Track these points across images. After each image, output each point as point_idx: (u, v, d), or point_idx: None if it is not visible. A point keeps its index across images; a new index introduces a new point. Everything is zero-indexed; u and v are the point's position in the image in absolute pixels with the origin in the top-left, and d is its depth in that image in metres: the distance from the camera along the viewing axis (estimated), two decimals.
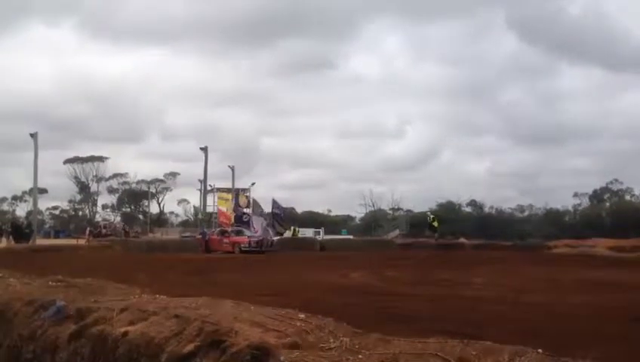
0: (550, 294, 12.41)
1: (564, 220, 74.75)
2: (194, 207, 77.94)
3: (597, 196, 79.33)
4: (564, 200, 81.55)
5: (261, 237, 34.36)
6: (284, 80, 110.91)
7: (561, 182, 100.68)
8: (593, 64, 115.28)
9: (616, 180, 78.27)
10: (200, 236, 36.34)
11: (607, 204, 78.03)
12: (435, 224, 42.96)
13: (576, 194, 78.92)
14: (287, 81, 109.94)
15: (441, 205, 73.51)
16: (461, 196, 76.17)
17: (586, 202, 79.37)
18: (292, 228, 42.74)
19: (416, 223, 67.34)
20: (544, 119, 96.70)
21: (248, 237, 33.98)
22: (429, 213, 48.80)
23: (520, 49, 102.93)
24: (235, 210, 39.57)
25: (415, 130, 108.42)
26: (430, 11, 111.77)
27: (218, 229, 37.48)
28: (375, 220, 72.70)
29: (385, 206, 79.89)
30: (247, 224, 37.18)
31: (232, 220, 38.76)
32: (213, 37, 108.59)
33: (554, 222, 71.01)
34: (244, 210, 39.71)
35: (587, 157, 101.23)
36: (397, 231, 57.14)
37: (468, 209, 76.55)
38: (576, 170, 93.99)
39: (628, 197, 78.12)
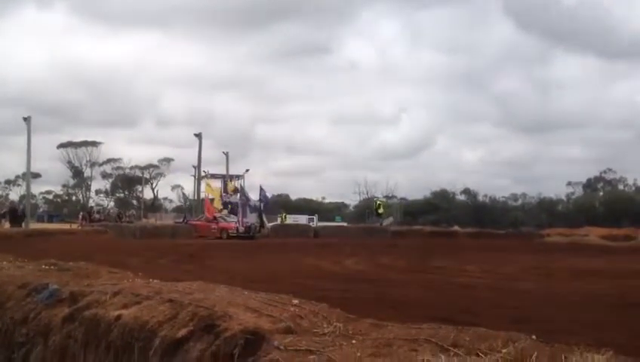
0: (543, 281, 12.49)
1: (558, 209, 75.12)
2: (183, 193, 77.98)
3: (590, 185, 79.71)
4: (557, 189, 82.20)
5: (249, 223, 34.53)
6: (280, 65, 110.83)
7: (555, 171, 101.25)
8: (588, 52, 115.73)
9: (609, 169, 78.76)
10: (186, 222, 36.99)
11: (601, 193, 78.41)
12: (381, 210, 43.58)
13: (569, 183, 79.39)
14: (283, 66, 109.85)
15: (435, 193, 73.75)
16: (455, 184, 76.48)
17: (579, 191, 79.83)
18: (281, 214, 42.73)
19: (410, 211, 67.62)
20: (539, 107, 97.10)
21: (235, 223, 34.22)
22: (376, 198, 49.19)
23: (516, 37, 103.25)
24: (221, 197, 39.56)
25: (410, 118, 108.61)
26: None
27: (204, 216, 37.54)
28: (369, 208, 72.85)
29: (379, 193, 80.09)
30: (234, 211, 37.19)
31: (221, 206, 38.73)
32: (208, 22, 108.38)
33: (547, 211, 71.35)
34: (230, 198, 39.69)
35: (581, 146, 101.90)
36: (391, 219, 57.27)
37: (462, 197, 76.84)
38: (570, 159, 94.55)
39: (621, 187, 78.64)
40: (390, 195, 78.95)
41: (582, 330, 5.85)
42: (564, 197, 78.44)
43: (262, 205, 38.79)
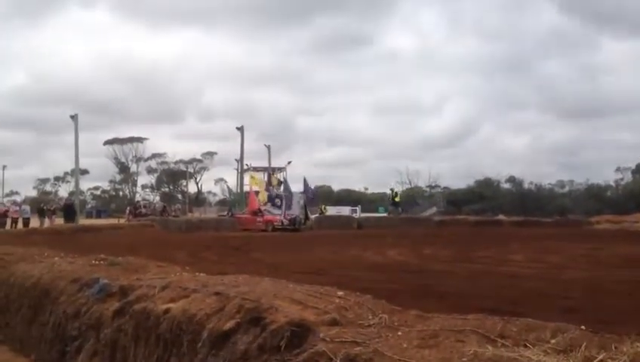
0: (591, 270, 12.24)
1: (606, 195, 73.39)
2: (227, 186, 78.63)
3: None
4: (606, 175, 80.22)
5: (294, 215, 34.69)
6: (320, 57, 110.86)
7: (603, 157, 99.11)
8: (635, 35, 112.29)
9: None
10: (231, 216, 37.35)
11: None
12: (397, 199, 43.43)
13: (618, 169, 77.45)
14: (324, 58, 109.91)
15: (479, 182, 72.87)
16: (500, 172, 75.43)
17: (628, 177, 77.79)
18: (321, 206, 42.82)
19: (454, 200, 66.99)
20: (585, 92, 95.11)
21: (280, 215, 34.43)
22: (391, 188, 48.90)
23: (560, 21, 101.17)
24: (267, 190, 39.68)
25: (452, 106, 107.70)
26: None
27: (250, 210, 37.83)
28: (412, 197, 72.42)
29: (422, 183, 79.59)
30: (279, 203, 37.29)
31: (266, 199, 38.86)
32: (248, 15, 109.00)
33: (595, 198, 69.77)
34: (276, 191, 39.76)
35: (629, 130, 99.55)
36: (434, 209, 56.90)
37: (507, 185, 75.67)
38: (619, 144, 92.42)
39: None
40: (433, 184, 78.49)
41: (632, 320, 5.73)
42: (612, 184, 76.71)
43: (305, 197, 38.91)
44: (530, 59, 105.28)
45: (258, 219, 34.54)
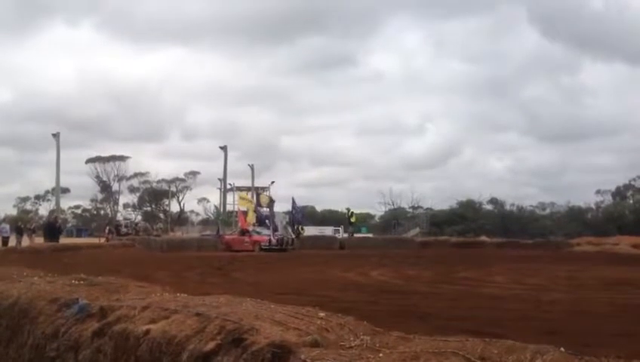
0: (572, 292, 12.32)
1: (587, 217, 73.97)
2: (214, 206, 78.26)
3: (620, 193, 78.39)
4: (586, 198, 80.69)
5: (281, 236, 34.50)
6: (304, 78, 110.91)
7: (584, 180, 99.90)
8: (616, 59, 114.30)
9: (639, 177, 77.40)
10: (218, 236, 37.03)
11: (631, 201, 77.10)
12: (353, 219, 43.65)
13: (598, 191, 78.10)
14: (307, 78, 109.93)
15: (461, 203, 73.16)
16: (482, 194, 75.78)
17: (608, 199, 78.46)
18: (297, 226, 42.36)
19: (436, 221, 67.14)
20: (567, 115, 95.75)
21: (268, 235, 34.19)
22: (348, 208, 49.14)
23: (542, 45, 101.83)
24: (255, 211, 39.39)
25: (436, 128, 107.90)
26: (451, 7, 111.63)
27: (239, 230, 37.57)
28: (395, 218, 72.50)
29: (405, 204, 79.71)
30: (267, 223, 37.07)
31: (254, 219, 38.52)
32: (233, 35, 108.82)
33: (576, 220, 70.28)
34: (265, 210, 39.46)
35: (610, 153, 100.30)
36: (417, 230, 56.96)
37: (489, 207, 75.97)
38: (599, 167, 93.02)
39: None
40: (416, 205, 78.65)
41: (611, 342, 5.77)
42: (593, 206, 77.32)
43: (293, 216, 38.73)
44: (512, 82, 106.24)
45: (246, 239, 34.31)
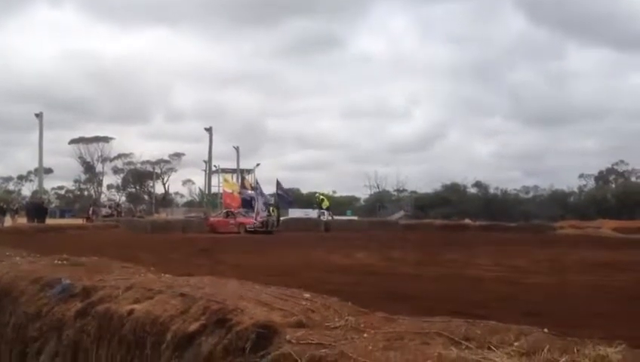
0: (555, 274, 12.44)
1: (570, 201, 74.65)
2: (199, 188, 78.00)
3: (602, 177, 79.22)
4: (569, 182, 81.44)
5: (266, 218, 34.52)
6: (290, 59, 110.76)
7: (567, 163, 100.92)
8: (601, 44, 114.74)
9: (622, 161, 78.21)
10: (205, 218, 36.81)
11: (613, 185, 77.88)
12: (325, 205, 42.71)
13: (581, 175, 78.91)
14: (293, 60, 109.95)
15: (446, 186, 73.52)
16: (466, 177, 76.17)
17: (591, 183, 79.29)
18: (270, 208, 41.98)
19: (421, 204, 67.46)
20: (551, 99, 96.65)
21: (253, 217, 34.23)
22: (317, 193, 48.10)
23: (527, 29, 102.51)
24: (241, 193, 39.23)
25: (421, 111, 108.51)
26: None
27: (224, 211, 37.49)
28: (380, 201, 72.74)
29: (390, 187, 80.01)
30: (252, 205, 36.98)
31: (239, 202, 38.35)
32: (218, 16, 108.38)
33: (559, 203, 70.89)
34: (250, 193, 39.28)
35: (593, 138, 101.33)
36: (401, 213, 57.23)
37: (473, 190, 76.43)
38: (582, 151, 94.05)
39: (634, 179, 78.00)
40: (401, 189, 78.94)
41: (594, 323, 5.83)
42: (576, 190, 78.02)
43: (278, 198, 38.57)
44: (498, 67, 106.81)
45: (231, 221, 34.30)
